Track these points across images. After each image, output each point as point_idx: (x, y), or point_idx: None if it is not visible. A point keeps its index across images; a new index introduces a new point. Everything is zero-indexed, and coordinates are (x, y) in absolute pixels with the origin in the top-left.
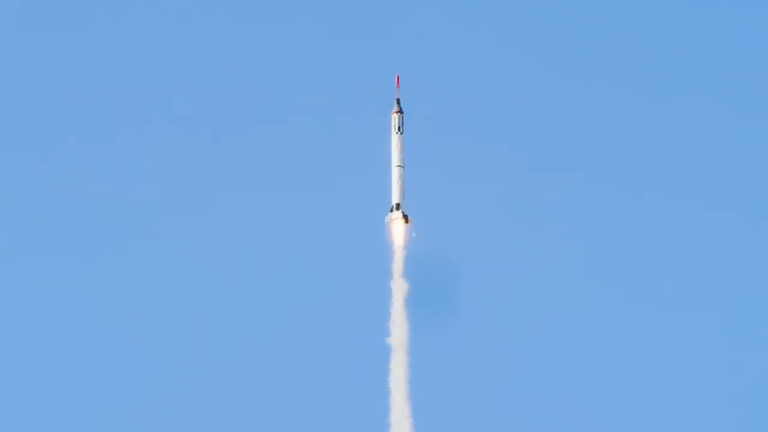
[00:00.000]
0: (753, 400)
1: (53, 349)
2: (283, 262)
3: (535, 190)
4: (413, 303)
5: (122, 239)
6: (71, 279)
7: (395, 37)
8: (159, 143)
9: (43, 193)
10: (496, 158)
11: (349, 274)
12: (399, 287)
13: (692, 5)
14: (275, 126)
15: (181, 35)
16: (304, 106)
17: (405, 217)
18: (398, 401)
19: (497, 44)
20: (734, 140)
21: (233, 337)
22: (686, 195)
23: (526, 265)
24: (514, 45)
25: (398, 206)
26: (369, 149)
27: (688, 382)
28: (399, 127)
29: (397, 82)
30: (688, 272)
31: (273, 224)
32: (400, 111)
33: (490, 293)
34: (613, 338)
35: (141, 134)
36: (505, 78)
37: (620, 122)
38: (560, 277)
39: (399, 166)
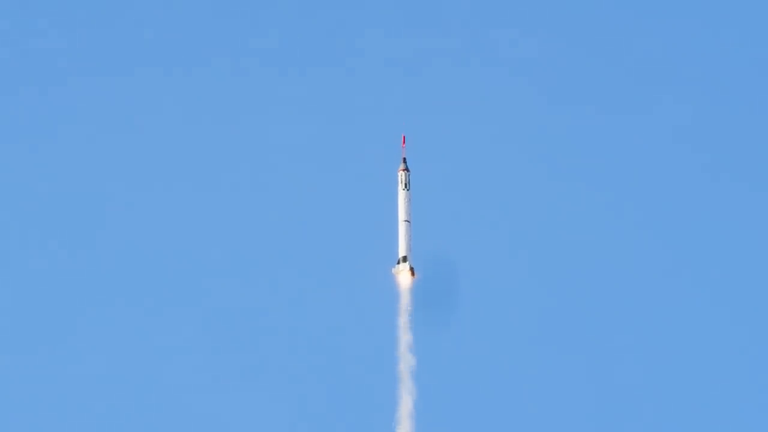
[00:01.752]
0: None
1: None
2: (297, 307)
3: (536, 239)
4: (418, 339)
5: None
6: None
7: (402, 98)
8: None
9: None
10: (497, 213)
11: (358, 315)
12: (404, 329)
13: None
14: (290, 178)
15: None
16: (319, 164)
17: (411, 269)
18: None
19: (498, 103)
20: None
21: (247, 373)
22: (692, 199)
23: (527, 304)
24: (513, 103)
25: (405, 259)
26: (377, 205)
27: (690, 385)
28: (406, 184)
29: (404, 141)
30: (694, 274)
31: (285, 274)
32: (407, 169)
33: (492, 335)
34: (616, 340)
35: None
36: (506, 135)
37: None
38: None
39: (406, 221)
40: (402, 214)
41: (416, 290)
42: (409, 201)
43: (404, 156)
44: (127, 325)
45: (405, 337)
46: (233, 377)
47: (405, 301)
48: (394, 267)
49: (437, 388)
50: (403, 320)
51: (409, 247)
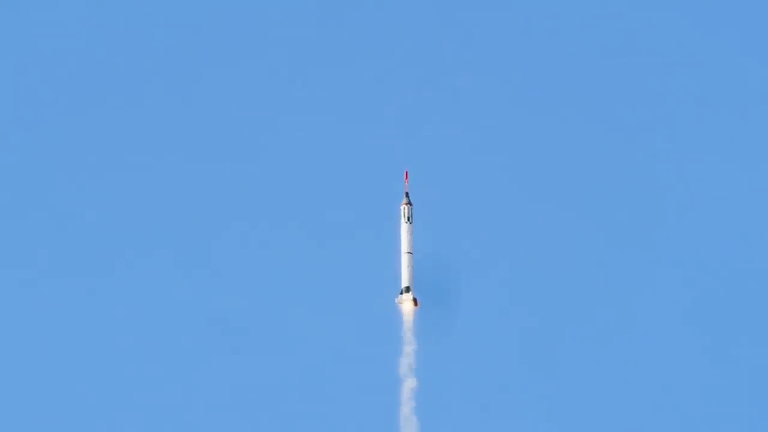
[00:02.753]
0: None
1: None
2: (303, 335)
3: (533, 265)
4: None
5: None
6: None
7: (405, 134)
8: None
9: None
10: (495, 244)
11: (362, 342)
12: (407, 354)
13: None
14: (301, 213)
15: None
16: (326, 200)
17: (414, 300)
18: None
19: (497, 143)
20: None
21: (253, 392)
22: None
23: (527, 331)
24: (513, 138)
25: (408, 289)
26: (381, 237)
27: (688, 390)
28: (408, 218)
29: (406, 177)
30: (693, 274)
31: (294, 302)
32: (409, 203)
33: (492, 360)
34: (615, 340)
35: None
36: (504, 172)
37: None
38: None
39: (408, 252)
40: (405, 246)
41: (418, 318)
42: (411, 233)
43: (407, 190)
44: (130, 327)
45: (408, 362)
46: (238, 400)
47: (408, 328)
48: (398, 297)
49: (439, 412)
50: (406, 346)
51: (412, 278)
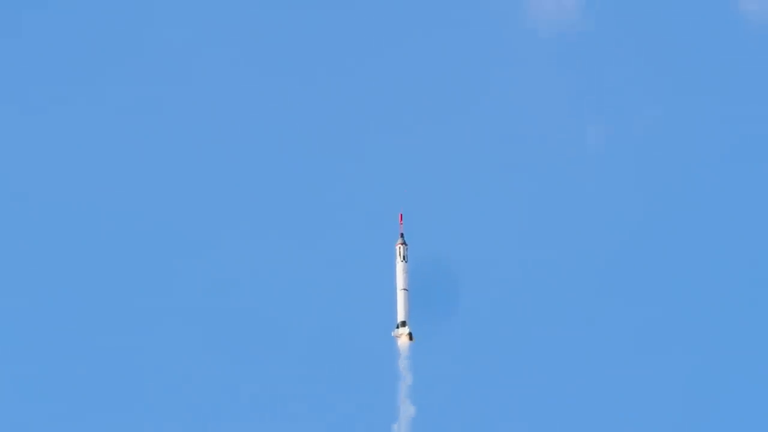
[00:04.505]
0: None
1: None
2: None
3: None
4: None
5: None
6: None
7: (400, 178)
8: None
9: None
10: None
11: (363, 369)
12: (404, 383)
13: None
14: (307, 252)
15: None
16: (328, 244)
17: (410, 335)
18: None
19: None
20: None
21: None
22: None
23: (526, 357)
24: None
25: (404, 323)
26: (378, 275)
27: (685, 396)
28: (404, 256)
29: (401, 219)
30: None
31: (299, 331)
32: (404, 243)
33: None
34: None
35: None
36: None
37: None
38: None
39: (404, 289)
40: (400, 283)
41: (413, 350)
42: (407, 271)
43: (402, 231)
44: (134, 328)
45: (404, 388)
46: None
47: (404, 359)
48: (394, 330)
49: None
50: (403, 376)
51: (407, 313)
